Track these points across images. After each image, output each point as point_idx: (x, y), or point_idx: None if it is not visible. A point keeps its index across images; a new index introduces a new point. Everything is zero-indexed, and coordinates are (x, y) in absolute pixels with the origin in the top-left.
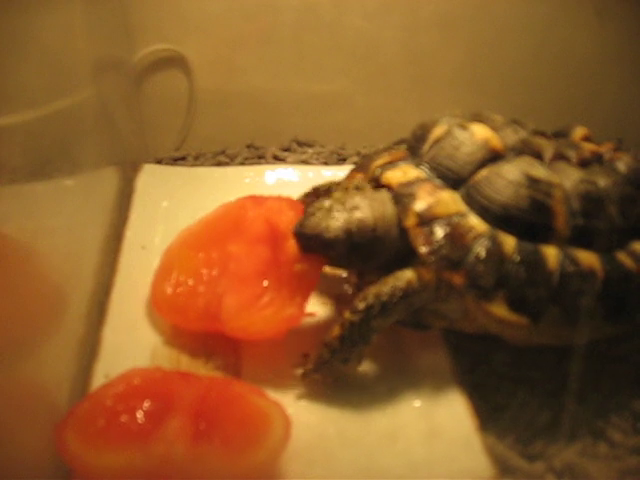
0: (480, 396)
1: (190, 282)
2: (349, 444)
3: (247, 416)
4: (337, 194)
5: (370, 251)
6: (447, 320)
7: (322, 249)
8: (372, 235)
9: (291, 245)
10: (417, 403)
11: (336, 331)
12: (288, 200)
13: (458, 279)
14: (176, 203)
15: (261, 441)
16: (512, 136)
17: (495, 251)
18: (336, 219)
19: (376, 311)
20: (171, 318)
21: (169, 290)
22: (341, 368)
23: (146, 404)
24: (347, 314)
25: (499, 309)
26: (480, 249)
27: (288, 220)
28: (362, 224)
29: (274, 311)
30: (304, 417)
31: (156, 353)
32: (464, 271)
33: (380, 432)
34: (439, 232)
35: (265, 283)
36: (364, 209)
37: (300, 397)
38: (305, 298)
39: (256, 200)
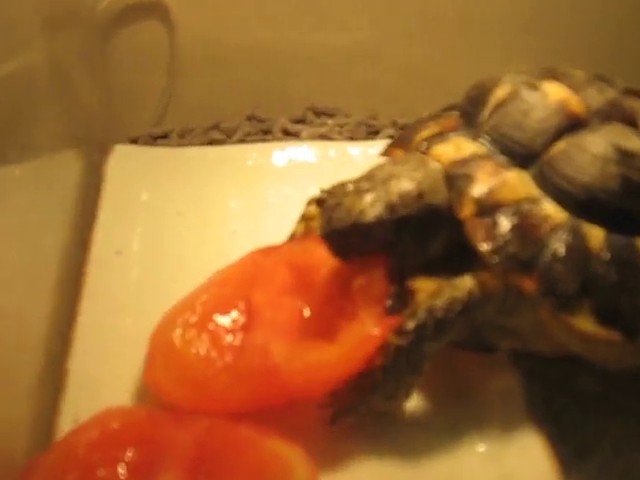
0: (561, 435)
1: (205, 339)
2: None
3: (261, 465)
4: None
5: (423, 227)
6: (517, 339)
7: (364, 242)
8: (420, 203)
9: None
10: (481, 447)
11: (377, 360)
12: (308, 238)
13: (530, 285)
14: (158, 195)
15: None
16: (597, 97)
17: (578, 247)
18: (370, 197)
19: (430, 331)
20: (187, 394)
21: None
22: (383, 406)
23: (129, 454)
24: (391, 337)
25: (584, 322)
26: (558, 245)
27: (319, 256)
28: (404, 192)
29: (347, 339)
30: (335, 467)
31: (139, 387)
32: (538, 274)
33: None
34: (505, 224)
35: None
36: (402, 176)
37: (329, 442)
38: (380, 309)
39: (267, 250)
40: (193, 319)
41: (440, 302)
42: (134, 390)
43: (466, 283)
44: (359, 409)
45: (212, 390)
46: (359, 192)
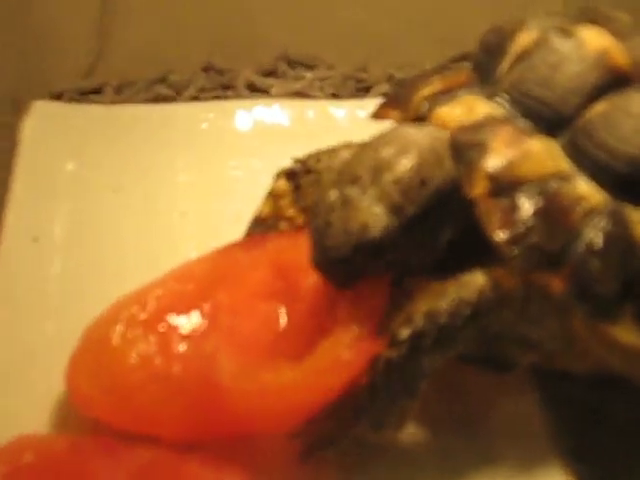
0: (592, 476)
1: (152, 341)
2: None
3: None
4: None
5: (429, 219)
6: (540, 354)
7: (372, 262)
8: (426, 192)
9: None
10: None
11: (363, 378)
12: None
13: (559, 285)
14: (88, 166)
15: None
16: None
17: (620, 237)
18: (365, 203)
19: (429, 341)
20: (114, 409)
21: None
22: (370, 437)
23: None
24: (382, 346)
25: (628, 333)
26: (595, 234)
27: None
28: (404, 184)
29: (311, 362)
30: None
31: (62, 410)
32: (568, 271)
33: None
34: (526, 206)
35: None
36: (393, 163)
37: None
38: (368, 328)
39: (248, 244)
40: (141, 316)
41: (443, 304)
42: (55, 413)
43: (477, 281)
44: (340, 441)
45: (138, 404)
46: (347, 202)
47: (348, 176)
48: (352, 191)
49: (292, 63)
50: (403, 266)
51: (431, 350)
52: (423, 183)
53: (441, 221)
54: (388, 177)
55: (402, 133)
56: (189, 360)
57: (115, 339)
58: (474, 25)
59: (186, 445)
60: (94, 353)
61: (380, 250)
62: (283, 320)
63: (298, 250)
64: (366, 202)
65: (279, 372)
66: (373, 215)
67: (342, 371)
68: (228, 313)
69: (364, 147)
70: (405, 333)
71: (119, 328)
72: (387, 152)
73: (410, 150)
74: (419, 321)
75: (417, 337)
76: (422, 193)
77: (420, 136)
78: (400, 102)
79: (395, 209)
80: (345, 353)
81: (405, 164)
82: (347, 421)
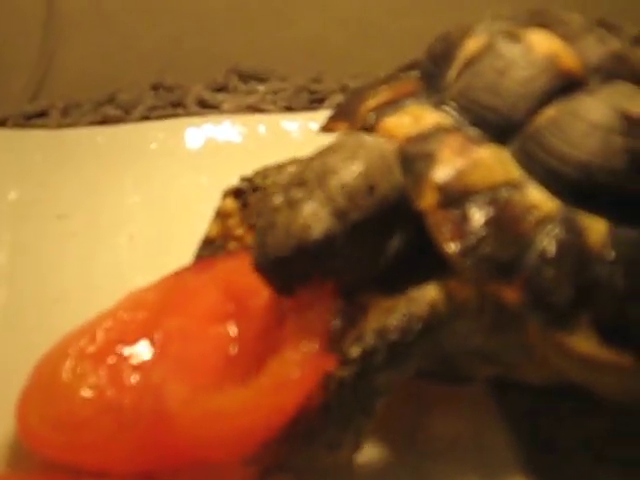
0: None
1: (102, 375)
2: None
3: None
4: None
5: (376, 228)
6: (498, 365)
7: (313, 267)
8: (373, 199)
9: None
10: None
11: (316, 399)
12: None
13: (512, 295)
14: (32, 193)
15: None
16: (597, 49)
17: (573, 245)
18: (310, 206)
19: (381, 359)
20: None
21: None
22: (326, 459)
23: None
24: (333, 369)
25: (584, 342)
26: (547, 242)
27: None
28: (350, 189)
29: (260, 383)
30: None
31: (11, 447)
32: (522, 281)
33: None
34: (477, 217)
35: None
36: (340, 168)
37: None
38: (317, 346)
39: (197, 267)
40: (90, 349)
41: (394, 320)
42: (4, 451)
43: (428, 294)
44: (294, 464)
45: (90, 439)
46: (292, 204)
47: (296, 180)
48: (298, 194)
49: (244, 77)
50: (347, 275)
51: (384, 367)
52: (370, 190)
53: (388, 231)
54: (335, 181)
55: (352, 141)
56: (140, 390)
57: (65, 374)
58: (429, 33)
59: (140, 478)
60: (44, 389)
61: (321, 254)
62: (234, 343)
63: (247, 271)
64: (311, 205)
65: (228, 396)
66: (316, 218)
67: (291, 390)
68: (178, 340)
69: (316, 155)
70: (356, 351)
71: (68, 363)
72: (336, 158)
73: (359, 157)
74: (369, 339)
75: (368, 355)
76: (368, 200)
77: (370, 144)
78: (348, 114)
79: (339, 213)
80: (294, 372)
81: (353, 170)
82: (302, 443)
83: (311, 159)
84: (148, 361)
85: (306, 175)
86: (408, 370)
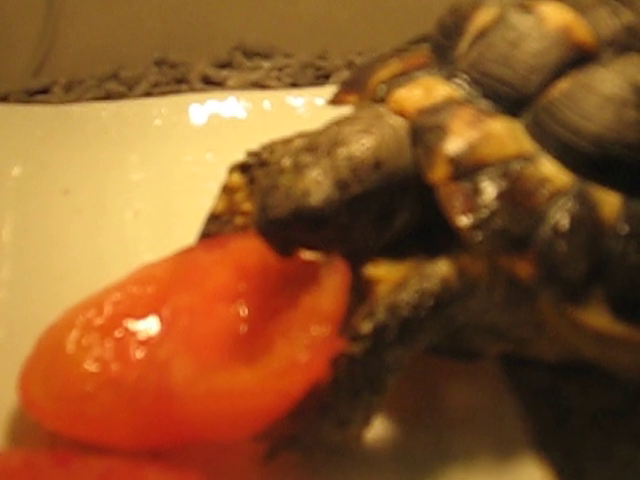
0: (573, 469)
1: (108, 348)
2: None
3: None
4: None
5: (383, 202)
6: (510, 341)
7: (310, 232)
8: (378, 174)
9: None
10: None
11: (325, 380)
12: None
13: (525, 269)
14: (36, 168)
15: None
16: (610, 21)
17: (586, 218)
18: (313, 173)
19: (392, 335)
20: (67, 419)
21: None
22: (335, 437)
23: None
24: (343, 345)
25: (597, 317)
26: (560, 216)
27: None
28: (356, 162)
29: (266, 364)
30: None
31: (14, 423)
32: (534, 255)
33: None
34: (489, 190)
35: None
36: (351, 141)
37: None
38: (328, 328)
39: (210, 245)
40: (97, 321)
41: (405, 296)
42: (8, 427)
43: (439, 269)
44: (303, 441)
45: (93, 412)
46: (299, 168)
47: (308, 145)
48: (306, 158)
49: (248, 53)
50: (349, 246)
51: (395, 344)
52: (377, 165)
53: (394, 207)
54: (343, 152)
55: (369, 114)
56: (145, 366)
57: (70, 346)
58: (435, 10)
59: (143, 453)
60: (48, 360)
61: (318, 221)
62: (243, 323)
63: (260, 251)
64: (315, 172)
65: (234, 376)
66: (317, 185)
67: (298, 375)
68: (187, 317)
69: (334, 122)
70: (367, 327)
71: (74, 334)
72: (350, 129)
73: (372, 131)
74: (380, 315)
75: (379, 331)
76: (373, 175)
77: (385, 120)
78: (357, 86)
79: (341, 184)
80: (302, 355)
81: (363, 143)
82: (311, 420)
83: (328, 126)
84: (155, 337)
85: (319, 141)
86: (419, 346)
